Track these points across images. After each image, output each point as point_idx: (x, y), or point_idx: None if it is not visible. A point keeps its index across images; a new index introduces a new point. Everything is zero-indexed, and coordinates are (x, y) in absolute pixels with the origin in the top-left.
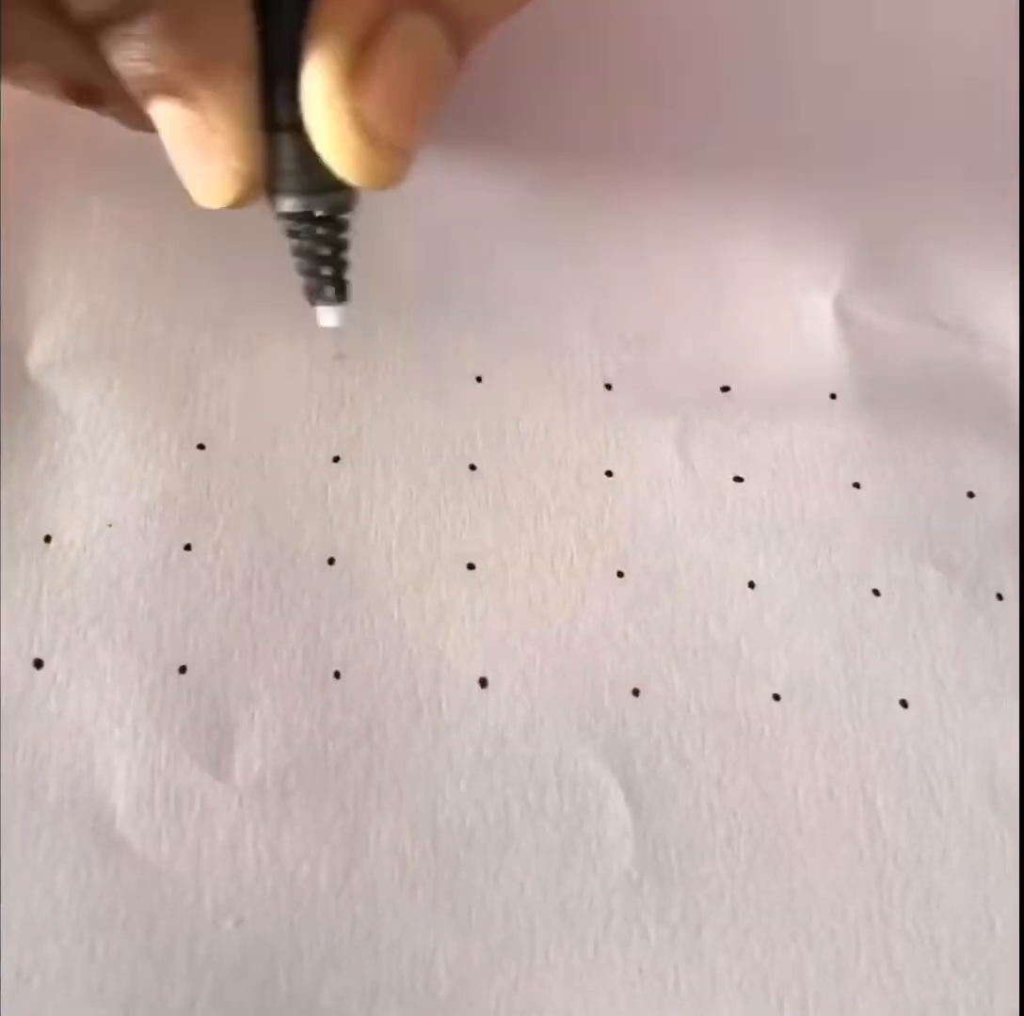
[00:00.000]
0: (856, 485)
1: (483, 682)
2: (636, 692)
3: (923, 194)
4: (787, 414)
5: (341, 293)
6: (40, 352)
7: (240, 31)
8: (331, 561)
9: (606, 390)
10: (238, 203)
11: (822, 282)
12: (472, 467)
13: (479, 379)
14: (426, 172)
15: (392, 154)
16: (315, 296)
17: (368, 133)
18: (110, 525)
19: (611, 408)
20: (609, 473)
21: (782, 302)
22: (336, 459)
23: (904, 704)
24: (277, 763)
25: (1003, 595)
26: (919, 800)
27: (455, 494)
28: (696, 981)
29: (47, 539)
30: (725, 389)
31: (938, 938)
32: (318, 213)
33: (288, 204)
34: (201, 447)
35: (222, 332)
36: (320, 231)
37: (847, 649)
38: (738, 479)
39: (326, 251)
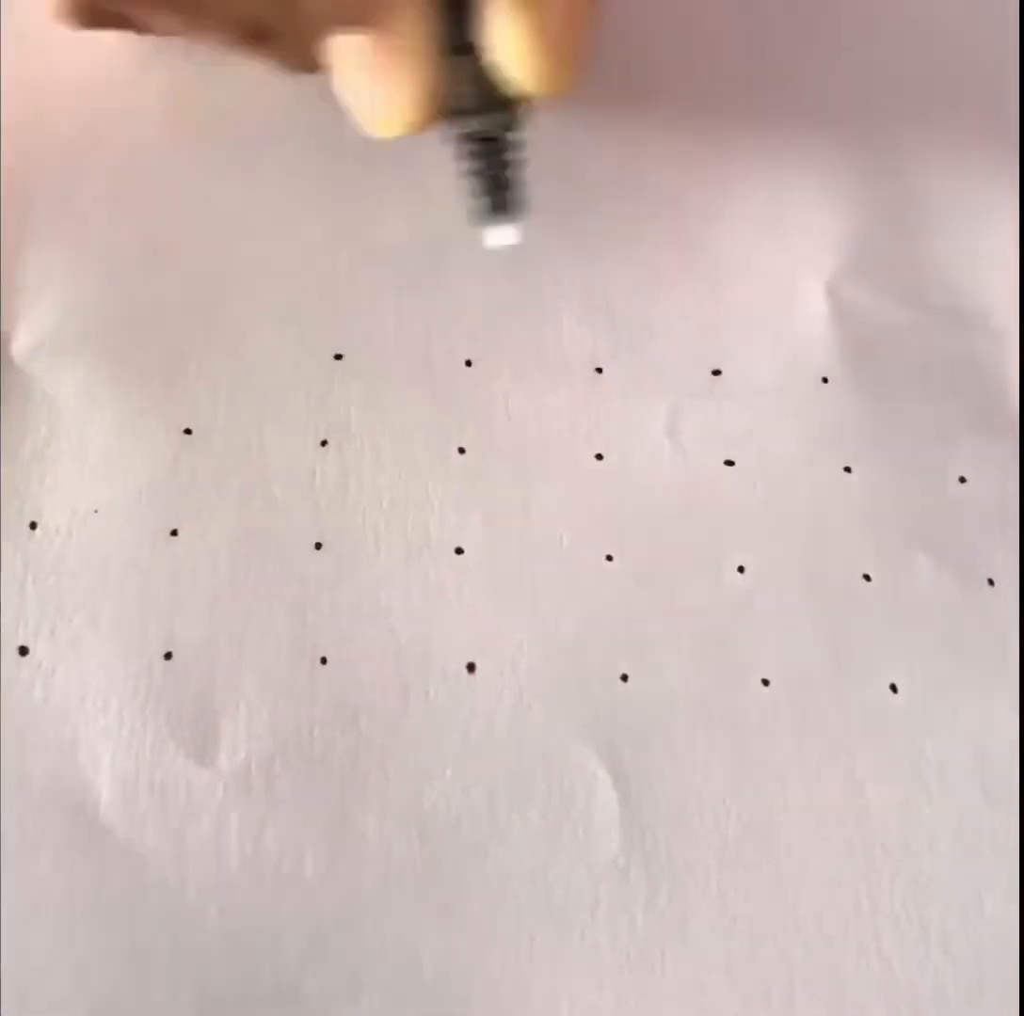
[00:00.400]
0: (847, 469)
1: (471, 667)
2: (625, 678)
3: (917, 178)
4: (778, 398)
5: (514, 211)
6: (26, 338)
7: None
8: (318, 546)
9: (596, 373)
10: (416, 127)
11: (814, 266)
12: (461, 451)
13: (468, 363)
14: (420, 154)
15: (571, 62)
16: (489, 215)
17: (552, 41)
18: (96, 511)
19: (601, 391)
20: (599, 457)
21: (774, 286)
22: (324, 443)
23: (894, 689)
24: (262, 750)
25: (994, 581)
26: (908, 786)
27: (444, 478)
28: (684, 968)
29: (33, 525)
30: (716, 373)
31: (927, 924)
32: (492, 133)
33: (464, 125)
34: (188, 432)
35: (209, 317)
36: (493, 151)
37: (837, 634)
38: (729, 462)
39: (499, 170)
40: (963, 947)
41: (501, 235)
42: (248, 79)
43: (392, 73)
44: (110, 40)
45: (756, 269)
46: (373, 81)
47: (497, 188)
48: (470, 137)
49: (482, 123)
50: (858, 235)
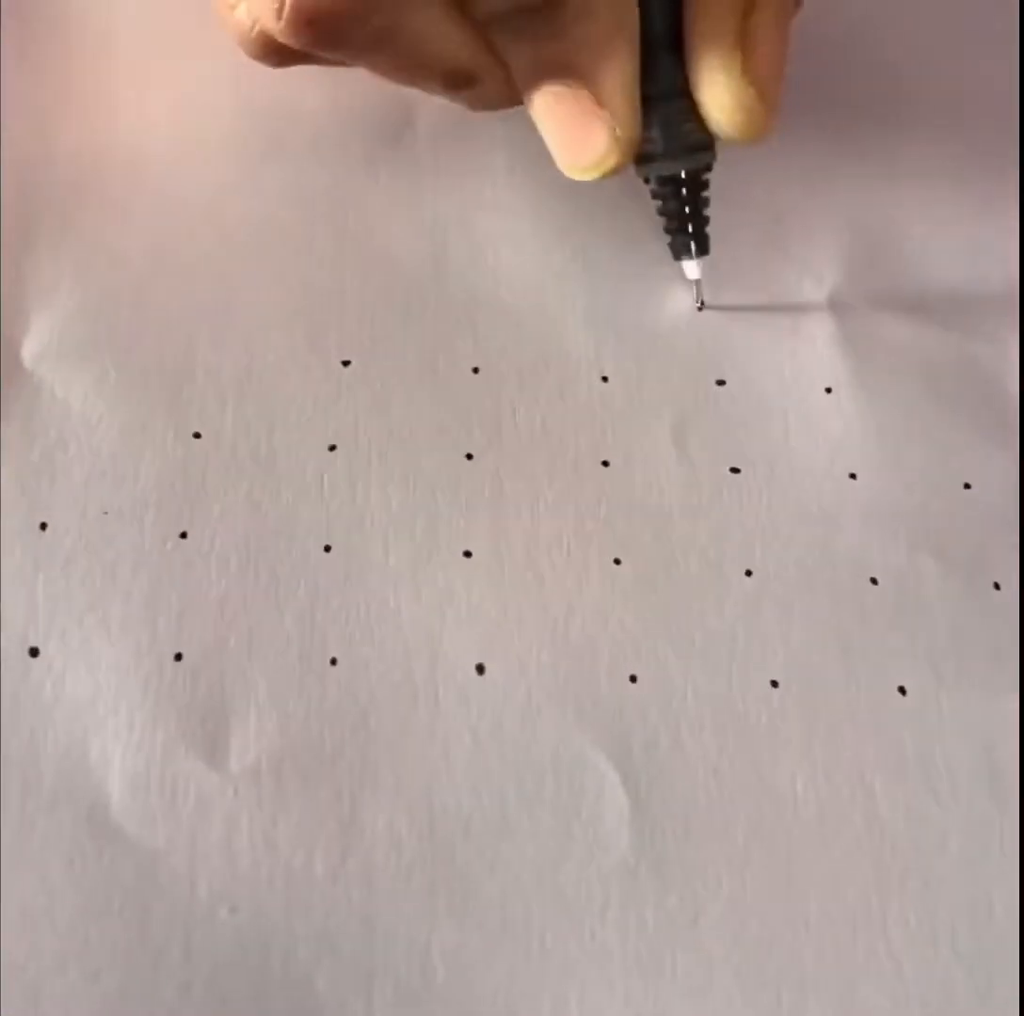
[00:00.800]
0: (853, 476)
1: (480, 669)
2: (633, 679)
3: (919, 188)
4: (782, 407)
5: (703, 247)
6: (36, 341)
7: (631, 11)
8: (327, 548)
9: (602, 382)
10: (613, 172)
11: (817, 275)
12: (469, 456)
13: (475, 370)
14: (429, 171)
15: (773, 109)
16: (680, 252)
17: (760, 90)
18: (105, 512)
19: (607, 400)
20: (605, 463)
21: (777, 295)
22: (332, 448)
23: (902, 691)
24: (273, 750)
25: (1000, 585)
26: (917, 787)
27: (452, 483)
28: (693, 968)
29: (43, 527)
30: (721, 382)
31: (936, 924)
32: (682, 175)
33: (658, 168)
34: (197, 435)
35: (219, 322)
36: (683, 191)
37: (845, 637)
38: (735, 470)
39: (689, 209)
40: (972, 948)
41: (690, 270)
42: (251, 91)
43: (590, 122)
44: (113, 54)
45: (758, 279)
46: (572, 129)
47: (687, 227)
48: (663, 180)
49: (672, 167)
50: (859, 245)
